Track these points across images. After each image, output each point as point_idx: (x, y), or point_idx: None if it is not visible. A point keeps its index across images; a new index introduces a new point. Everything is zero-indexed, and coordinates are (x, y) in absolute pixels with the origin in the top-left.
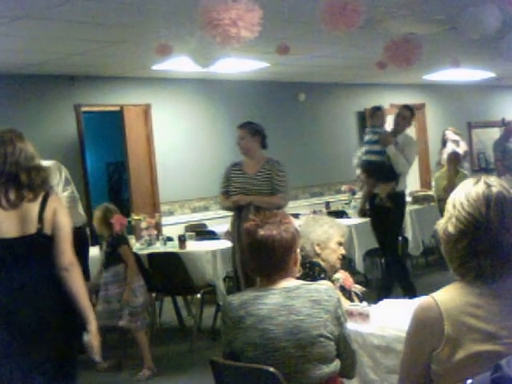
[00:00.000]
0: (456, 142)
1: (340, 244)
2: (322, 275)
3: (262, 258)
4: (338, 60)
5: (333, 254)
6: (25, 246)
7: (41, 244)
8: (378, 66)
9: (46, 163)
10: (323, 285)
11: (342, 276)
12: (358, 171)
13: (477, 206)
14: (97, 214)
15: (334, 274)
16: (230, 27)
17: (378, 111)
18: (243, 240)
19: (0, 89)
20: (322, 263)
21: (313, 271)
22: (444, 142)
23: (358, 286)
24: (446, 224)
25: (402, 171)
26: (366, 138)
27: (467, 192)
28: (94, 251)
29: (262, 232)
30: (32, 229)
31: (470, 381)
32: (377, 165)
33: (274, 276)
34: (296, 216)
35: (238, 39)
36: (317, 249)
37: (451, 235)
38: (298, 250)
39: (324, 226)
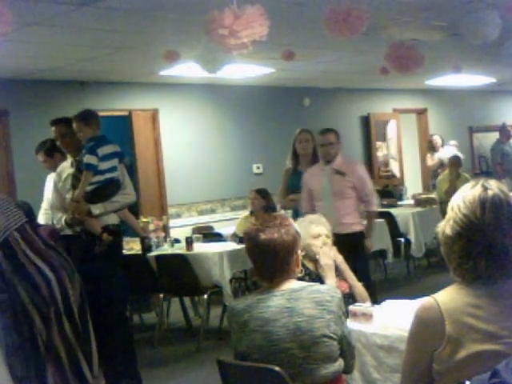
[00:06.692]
0: (455, 146)
1: (318, 236)
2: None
3: (265, 261)
4: (342, 65)
5: (312, 247)
6: None
7: None
8: (381, 72)
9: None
10: (325, 285)
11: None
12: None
13: (472, 209)
14: None
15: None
16: (221, 38)
17: None
18: (245, 244)
19: (12, 94)
20: (310, 264)
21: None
22: (433, 148)
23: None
24: (444, 226)
25: None
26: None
27: (464, 195)
28: None
29: (263, 236)
30: None
31: (468, 383)
32: None
33: (277, 279)
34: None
35: (234, 48)
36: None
37: (448, 237)
38: (299, 252)
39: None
